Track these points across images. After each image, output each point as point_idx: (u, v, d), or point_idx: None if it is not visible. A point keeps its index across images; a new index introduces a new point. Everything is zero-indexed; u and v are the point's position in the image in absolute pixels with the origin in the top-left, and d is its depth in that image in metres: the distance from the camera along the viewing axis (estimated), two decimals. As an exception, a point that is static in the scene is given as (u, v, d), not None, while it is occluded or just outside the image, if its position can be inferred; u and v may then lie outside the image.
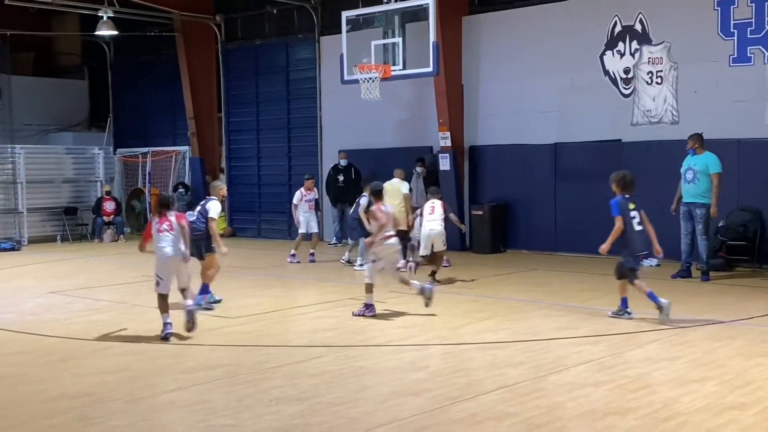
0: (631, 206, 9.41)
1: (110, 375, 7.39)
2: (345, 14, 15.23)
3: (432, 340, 8.68)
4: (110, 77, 24.32)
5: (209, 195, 11.05)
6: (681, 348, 8.10)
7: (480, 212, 16.50)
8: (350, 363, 7.72)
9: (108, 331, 9.31)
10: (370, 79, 14.29)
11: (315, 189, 16.05)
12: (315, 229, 15.61)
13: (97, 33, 19.93)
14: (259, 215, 21.07)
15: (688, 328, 8.95)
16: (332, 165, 18.36)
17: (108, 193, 21.31)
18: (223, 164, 21.93)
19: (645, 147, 14.67)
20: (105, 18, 19.14)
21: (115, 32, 19.80)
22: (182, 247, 9.00)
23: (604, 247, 9.39)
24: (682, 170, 12.48)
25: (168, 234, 9.00)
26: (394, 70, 14.34)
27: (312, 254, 15.43)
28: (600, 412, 6.07)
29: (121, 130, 24.05)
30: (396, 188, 13.77)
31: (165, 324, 8.86)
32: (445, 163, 16.84)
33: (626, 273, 9.41)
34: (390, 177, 14.12)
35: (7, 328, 9.63)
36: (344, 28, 15.16)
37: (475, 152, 17.07)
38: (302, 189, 15.71)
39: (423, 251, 12.35)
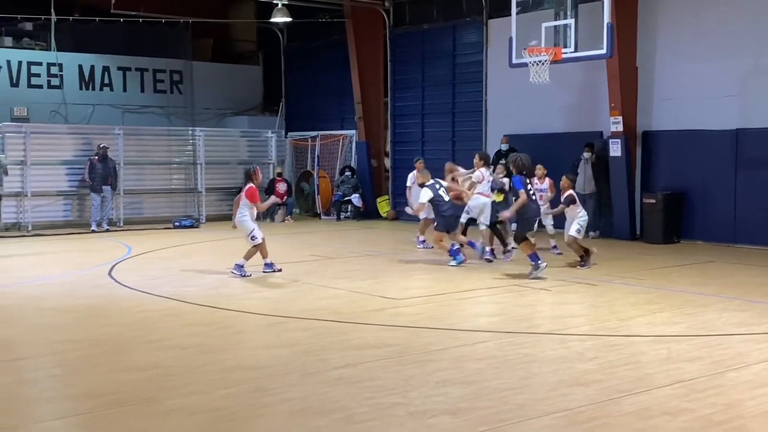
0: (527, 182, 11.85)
1: (283, 349, 7.67)
2: (515, -4, 14.97)
3: (600, 331, 8.44)
4: (283, 63, 25.16)
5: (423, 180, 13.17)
6: None
7: (653, 201, 15.85)
8: (516, 350, 7.64)
9: (281, 307, 9.67)
10: (540, 62, 13.99)
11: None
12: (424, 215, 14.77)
13: (271, 20, 20.67)
14: (423, 199, 21.19)
15: None
16: (495, 150, 18.20)
17: (279, 174, 22.12)
18: (388, 148, 22.23)
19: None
20: (279, 5, 19.86)
21: (289, 19, 20.48)
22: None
23: (507, 214, 12.00)
24: None
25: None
26: (565, 53, 13.95)
27: (420, 239, 15.10)
28: (785, 414, 5.71)
29: (292, 115, 24.88)
30: None
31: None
32: (615, 149, 16.29)
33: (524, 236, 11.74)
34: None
35: (188, 300, 10.18)
36: (514, 10, 14.89)
37: (649, 138, 16.40)
38: (415, 171, 15.38)
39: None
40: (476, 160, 13.79)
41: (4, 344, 8.15)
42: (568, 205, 12.89)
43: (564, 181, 13.24)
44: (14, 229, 18.77)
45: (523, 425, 5.51)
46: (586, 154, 16.52)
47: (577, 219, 12.74)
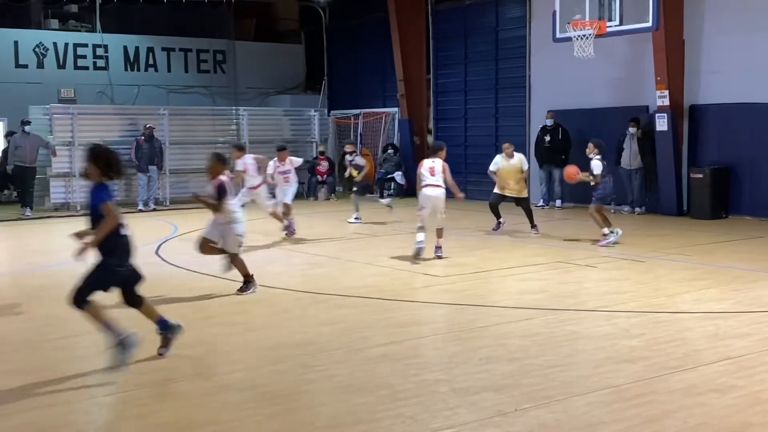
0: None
1: (328, 326, 7.74)
2: (559, -31, 14.78)
3: (647, 308, 8.36)
4: (325, 41, 25.15)
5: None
6: None
7: (700, 175, 15.60)
8: (561, 327, 7.61)
9: (325, 285, 9.75)
10: (584, 36, 13.84)
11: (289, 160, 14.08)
12: (288, 200, 13.70)
13: (314, -2, 20.65)
14: (465, 176, 21.08)
15: None
16: (540, 126, 18.07)
17: (322, 153, 22.19)
18: (431, 125, 22.15)
19: None
20: (321, -16, 19.83)
21: (331, -4, 20.43)
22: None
23: (92, 242, 6.82)
24: None
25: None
26: (610, 26, 13.78)
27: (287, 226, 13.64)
28: (837, 392, 5.62)
29: (334, 93, 24.90)
30: None
31: None
32: (662, 124, 16.03)
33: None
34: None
35: (235, 279, 10.27)
36: (557, -17, 14.73)
37: (696, 112, 16.11)
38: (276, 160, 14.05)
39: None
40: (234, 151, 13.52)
41: (57, 322, 8.35)
42: (220, 199, 8.96)
43: (212, 163, 9.12)
44: (63, 210, 19.13)
45: (569, 402, 5.50)
46: (632, 129, 16.30)
47: (234, 221, 9.14)
